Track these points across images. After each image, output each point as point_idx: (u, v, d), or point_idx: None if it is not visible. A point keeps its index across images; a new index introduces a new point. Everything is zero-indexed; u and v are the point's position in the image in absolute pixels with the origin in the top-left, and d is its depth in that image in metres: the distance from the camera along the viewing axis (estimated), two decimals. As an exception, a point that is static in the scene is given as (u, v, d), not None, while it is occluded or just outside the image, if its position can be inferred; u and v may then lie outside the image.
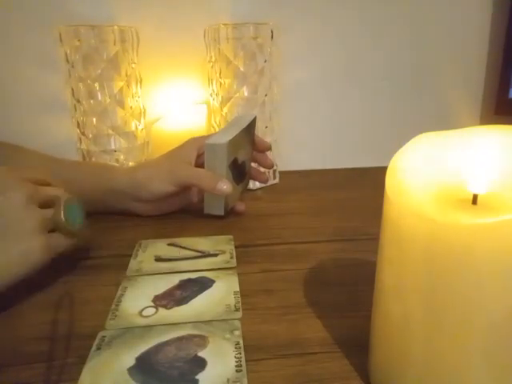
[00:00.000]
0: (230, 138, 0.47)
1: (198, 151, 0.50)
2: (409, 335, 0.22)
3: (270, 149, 0.57)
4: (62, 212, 0.38)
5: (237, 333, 0.31)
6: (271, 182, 0.65)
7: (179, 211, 0.54)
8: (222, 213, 0.50)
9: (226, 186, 0.47)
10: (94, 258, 0.43)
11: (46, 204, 0.38)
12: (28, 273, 0.35)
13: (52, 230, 0.38)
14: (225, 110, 0.62)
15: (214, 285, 0.37)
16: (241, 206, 0.54)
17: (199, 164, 0.50)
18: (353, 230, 0.48)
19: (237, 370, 0.27)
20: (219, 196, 0.49)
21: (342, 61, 0.72)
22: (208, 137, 0.50)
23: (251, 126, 0.53)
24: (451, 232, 0.19)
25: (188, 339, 0.30)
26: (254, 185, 0.63)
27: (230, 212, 0.53)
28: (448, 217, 0.20)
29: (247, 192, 0.61)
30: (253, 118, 0.54)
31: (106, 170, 0.53)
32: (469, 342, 0.20)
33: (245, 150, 0.53)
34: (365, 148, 0.76)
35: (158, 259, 0.42)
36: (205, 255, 0.43)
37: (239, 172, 0.52)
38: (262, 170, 0.60)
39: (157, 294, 0.36)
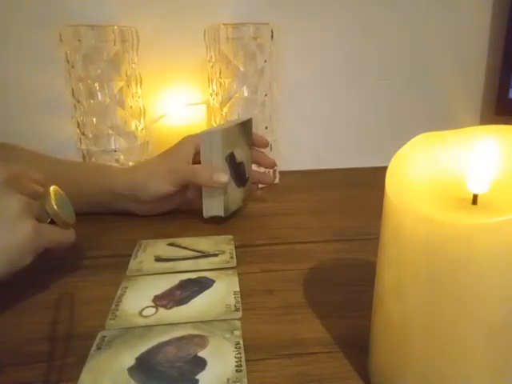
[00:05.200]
0: (223, 128, 0.48)
1: (195, 149, 0.50)
2: (409, 335, 0.22)
3: (267, 145, 0.57)
4: (53, 201, 0.36)
5: (237, 333, 0.31)
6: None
7: (179, 211, 0.54)
8: (221, 213, 0.49)
9: (222, 176, 0.47)
10: (94, 258, 0.43)
11: (31, 195, 0.35)
12: (15, 264, 0.33)
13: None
14: (225, 109, 0.62)
15: (214, 285, 0.37)
16: (268, 178, 0.57)
17: (197, 161, 0.50)
18: (353, 230, 0.48)
19: (237, 370, 0.27)
20: (218, 195, 0.49)
21: (341, 61, 0.72)
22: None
23: (247, 126, 0.53)
24: (451, 232, 0.19)
25: (188, 339, 0.30)
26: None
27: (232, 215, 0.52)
28: (448, 217, 0.20)
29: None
30: (248, 117, 0.54)
31: (104, 172, 0.52)
32: (469, 342, 0.20)
33: (242, 150, 0.53)
34: (365, 148, 0.76)
35: (158, 259, 0.42)
36: (205, 255, 0.43)
37: (238, 172, 0.52)
38: (263, 170, 0.60)
39: (157, 294, 0.36)
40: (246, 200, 0.54)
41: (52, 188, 0.37)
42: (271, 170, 0.65)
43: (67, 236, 0.38)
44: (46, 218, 0.36)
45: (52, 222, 0.37)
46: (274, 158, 0.58)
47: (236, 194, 0.52)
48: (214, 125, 0.64)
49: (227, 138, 0.48)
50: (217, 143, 0.47)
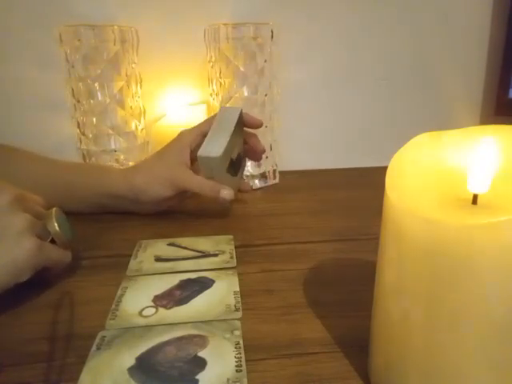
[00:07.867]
0: (223, 148, 0.47)
1: (190, 147, 0.50)
2: (409, 335, 0.22)
3: (261, 126, 0.54)
4: (55, 221, 0.37)
5: (237, 333, 0.31)
6: (271, 182, 0.65)
7: (179, 211, 0.54)
8: (218, 154, 0.47)
9: (228, 194, 0.48)
10: (94, 258, 0.43)
11: (34, 215, 0.36)
12: (14, 278, 0.33)
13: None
14: (225, 109, 0.62)
15: (214, 285, 0.37)
16: (246, 186, 0.58)
17: (194, 158, 0.50)
18: (353, 229, 0.48)
19: (237, 370, 0.27)
20: (222, 138, 0.48)
21: (341, 61, 0.72)
22: (199, 146, 0.49)
23: (240, 122, 0.53)
24: (451, 232, 0.19)
25: (188, 339, 0.30)
26: (254, 184, 0.63)
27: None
28: (448, 217, 0.20)
29: (249, 192, 0.60)
30: (239, 112, 0.52)
31: (103, 174, 0.52)
32: (469, 342, 0.20)
33: (238, 145, 0.53)
34: (365, 148, 0.76)
35: (158, 259, 0.42)
36: (205, 255, 0.43)
37: (236, 166, 0.53)
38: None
39: (157, 294, 0.36)
40: (241, 177, 0.57)
41: (54, 209, 0.39)
42: (271, 171, 0.65)
43: (65, 256, 0.39)
44: (47, 237, 0.37)
45: (52, 242, 0.38)
46: (261, 120, 0.54)
47: (235, 182, 0.53)
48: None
49: (226, 154, 0.48)
50: (217, 164, 0.48)
